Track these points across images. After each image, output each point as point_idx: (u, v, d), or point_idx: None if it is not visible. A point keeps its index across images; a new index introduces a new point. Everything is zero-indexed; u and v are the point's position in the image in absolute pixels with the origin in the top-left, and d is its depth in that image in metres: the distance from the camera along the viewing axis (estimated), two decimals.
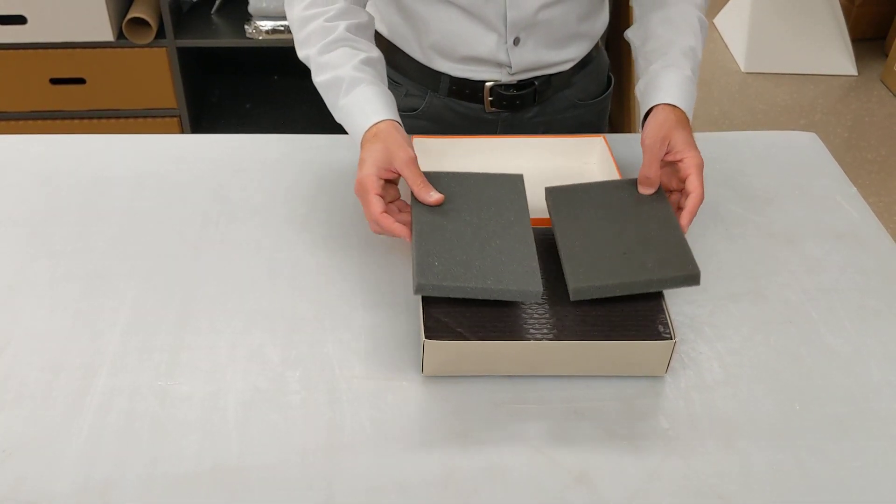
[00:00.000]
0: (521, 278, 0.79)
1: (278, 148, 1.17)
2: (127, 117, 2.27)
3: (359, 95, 0.94)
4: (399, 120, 0.95)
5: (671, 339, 0.82)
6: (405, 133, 0.93)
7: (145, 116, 2.27)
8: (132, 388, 0.82)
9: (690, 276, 0.81)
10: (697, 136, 1.22)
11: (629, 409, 0.83)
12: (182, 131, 2.31)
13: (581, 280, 0.79)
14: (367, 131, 0.92)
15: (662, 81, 0.98)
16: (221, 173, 1.12)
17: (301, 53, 1.02)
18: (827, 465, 0.78)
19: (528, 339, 0.80)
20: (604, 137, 1.09)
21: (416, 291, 0.80)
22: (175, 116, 2.28)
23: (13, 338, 0.87)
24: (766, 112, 2.96)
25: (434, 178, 0.90)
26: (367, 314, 0.91)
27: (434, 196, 0.88)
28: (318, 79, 0.99)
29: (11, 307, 0.91)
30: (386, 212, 0.88)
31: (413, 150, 0.90)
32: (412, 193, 0.89)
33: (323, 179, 1.11)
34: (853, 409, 0.83)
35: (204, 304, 0.92)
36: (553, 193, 0.93)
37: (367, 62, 0.97)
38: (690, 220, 0.91)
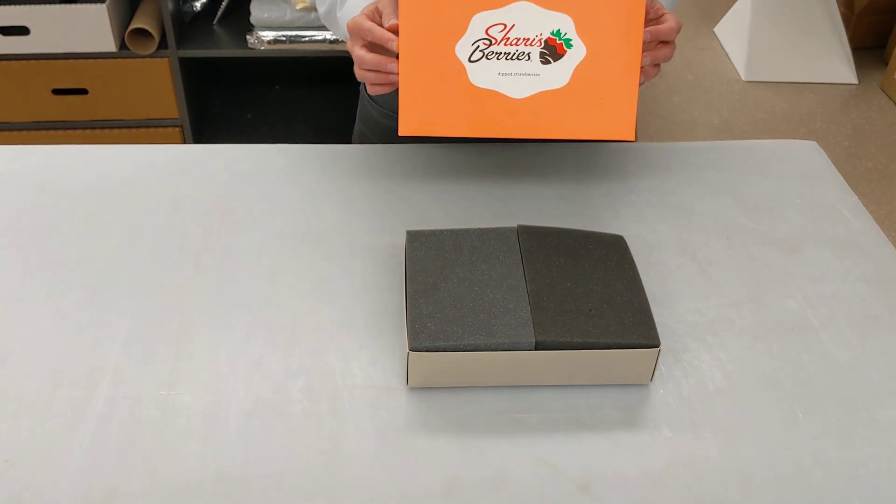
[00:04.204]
0: (513, 330, 0.82)
1: (279, 158, 1.17)
2: (129, 127, 2.28)
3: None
4: None
5: (657, 346, 0.82)
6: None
7: (147, 127, 2.28)
8: (134, 397, 0.82)
9: (650, 346, 0.83)
10: (698, 145, 1.22)
11: (631, 417, 0.83)
12: (184, 141, 2.31)
13: (546, 334, 0.82)
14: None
15: None
16: (223, 183, 1.12)
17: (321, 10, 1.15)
18: (829, 473, 0.78)
19: (511, 350, 0.81)
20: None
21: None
22: (177, 126, 2.29)
23: (14, 348, 0.87)
24: (767, 121, 2.96)
25: (428, 235, 0.91)
26: (369, 323, 0.91)
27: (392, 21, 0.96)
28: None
29: (12, 318, 0.91)
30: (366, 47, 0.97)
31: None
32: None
33: (324, 190, 1.11)
34: (855, 417, 0.83)
35: (205, 313, 0.92)
36: (525, 234, 0.94)
37: None
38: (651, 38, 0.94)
